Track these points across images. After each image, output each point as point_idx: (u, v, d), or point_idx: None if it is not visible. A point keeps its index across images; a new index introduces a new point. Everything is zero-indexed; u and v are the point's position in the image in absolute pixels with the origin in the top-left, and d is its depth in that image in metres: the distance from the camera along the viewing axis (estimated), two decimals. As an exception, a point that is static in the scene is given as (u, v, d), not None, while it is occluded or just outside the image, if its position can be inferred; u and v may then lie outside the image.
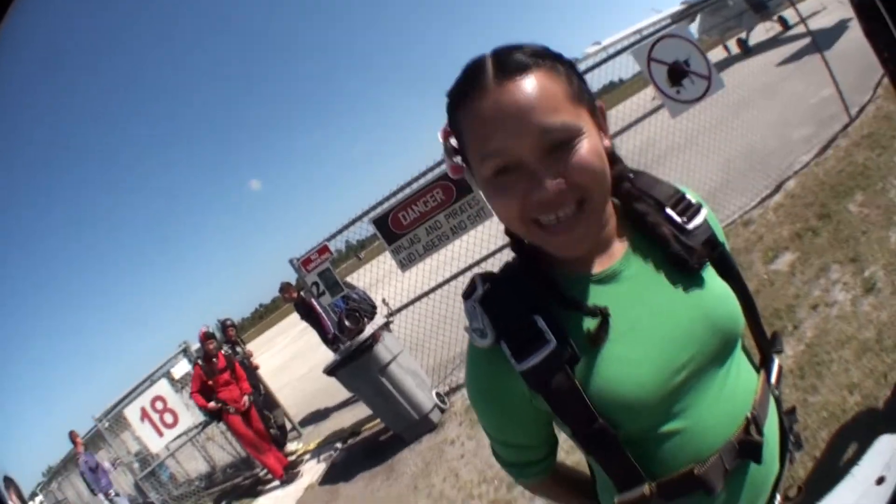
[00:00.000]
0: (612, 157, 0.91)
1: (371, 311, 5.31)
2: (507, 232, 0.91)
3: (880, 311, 3.10)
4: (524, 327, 0.83)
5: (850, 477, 1.03)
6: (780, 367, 1.03)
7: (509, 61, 0.79)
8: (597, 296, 0.86)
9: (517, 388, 0.85)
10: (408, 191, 5.08)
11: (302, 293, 6.20)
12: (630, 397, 0.82)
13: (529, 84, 0.77)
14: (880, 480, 1.00)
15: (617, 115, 5.96)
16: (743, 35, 15.46)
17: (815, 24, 9.31)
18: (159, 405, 6.79)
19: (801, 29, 8.62)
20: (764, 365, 1.02)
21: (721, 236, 0.97)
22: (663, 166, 6.34)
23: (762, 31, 15.00)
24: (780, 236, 4.62)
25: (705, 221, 0.93)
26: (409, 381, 4.96)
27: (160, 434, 6.77)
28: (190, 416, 6.85)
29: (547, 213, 0.78)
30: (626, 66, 5.60)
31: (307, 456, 6.32)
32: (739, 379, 0.93)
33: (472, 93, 0.79)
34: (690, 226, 0.91)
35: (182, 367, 7.08)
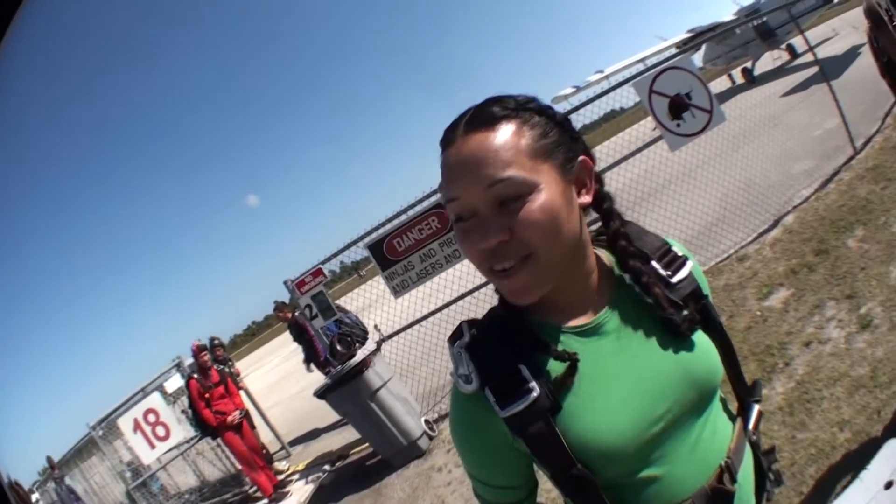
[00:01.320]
0: (606, 212, 0.96)
1: (363, 336, 5.32)
2: None
3: (875, 347, 3.09)
4: (509, 375, 0.85)
5: (859, 481, 1.05)
6: (760, 414, 1.05)
7: (483, 113, 0.83)
8: (577, 348, 0.87)
9: (500, 431, 0.87)
10: (403, 217, 5.09)
11: (296, 314, 6.21)
12: (608, 445, 0.84)
13: (489, 137, 0.81)
14: (889, 485, 1.02)
15: (615, 146, 5.94)
16: (749, 64, 15.33)
17: (824, 51, 9.23)
18: (152, 418, 6.79)
19: (809, 57, 8.53)
20: (742, 412, 1.04)
21: (706, 288, 1.00)
22: (659, 199, 6.31)
23: (769, 60, 14.87)
24: (775, 272, 4.57)
25: (690, 274, 0.95)
26: (398, 407, 4.95)
27: (152, 446, 6.77)
28: (181, 430, 6.84)
29: (496, 262, 0.81)
30: (628, 95, 5.59)
31: (296, 476, 6.30)
32: (716, 427, 0.94)
33: (445, 140, 0.85)
34: (675, 279, 0.93)
35: (175, 382, 7.09)
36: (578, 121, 5.49)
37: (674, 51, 5.95)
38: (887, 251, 3.93)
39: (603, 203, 0.96)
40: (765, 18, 10.14)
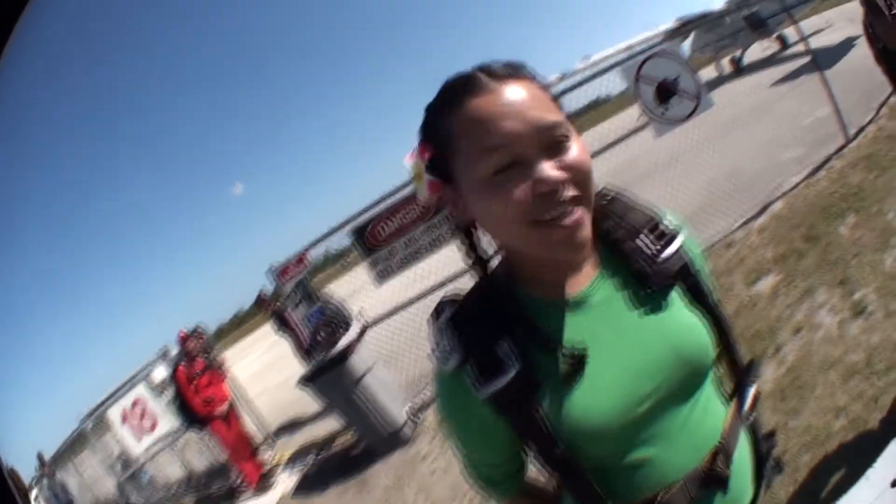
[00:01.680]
0: None
1: (346, 322, 5.29)
2: (477, 251, 0.91)
3: (871, 334, 3.02)
4: (487, 352, 0.83)
5: (865, 479, 1.07)
6: (757, 394, 1.02)
7: (497, 69, 0.82)
8: (564, 322, 0.86)
9: (482, 410, 0.85)
10: (386, 203, 5.06)
11: (278, 304, 6.21)
12: (593, 425, 0.82)
13: (524, 85, 0.81)
14: (895, 483, 1.02)
15: (601, 133, 5.91)
16: (737, 53, 15.20)
17: (818, 42, 9.18)
18: (139, 409, 6.78)
19: (801, 48, 8.50)
20: (737, 393, 1.01)
21: (699, 262, 0.97)
22: (644, 185, 6.28)
23: (759, 50, 14.72)
24: (764, 258, 4.52)
25: (678, 250, 0.92)
26: (382, 395, 4.93)
27: (139, 438, 6.76)
28: (168, 421, 6.82)
29: (550, 209, 0.77)
30: (614, 83, 5.58)
31: (281, 466, 6.28)
32: (708, 409, 0.92)
33: (467, 94, 0.80)
34: (662, 256, 0.91)
35: (161, 372, 7.06)
36: (563, 108, 5.46)
37: (662, 39, 5.88)
38: (881, 239, 3.86)
39: None
40: (756, 8, 10.11)
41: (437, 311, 0.90)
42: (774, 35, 13.58)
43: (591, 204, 0.82)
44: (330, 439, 5.98)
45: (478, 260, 0.91)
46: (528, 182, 0.77)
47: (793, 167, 6.09)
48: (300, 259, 5.25)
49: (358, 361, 4.84)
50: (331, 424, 6.04)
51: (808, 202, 5.06)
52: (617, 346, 0.85)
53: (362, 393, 4.82)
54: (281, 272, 5.20)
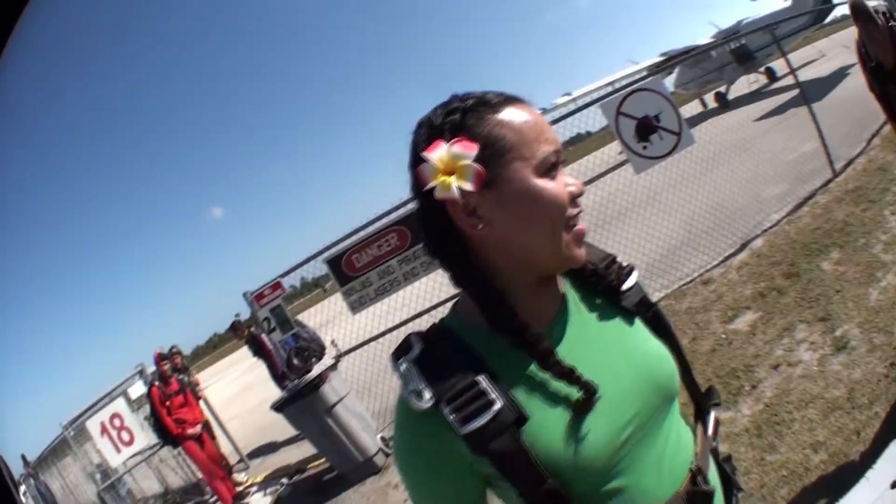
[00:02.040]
0: None
1: (320, 351, 5.30)
2: (486, 282, 0.86)
3: (852, 369, 3.00)
4: (467, 388, 0.79)
5: (865, 480, 1.08)
6: (717, 420, 1.04)
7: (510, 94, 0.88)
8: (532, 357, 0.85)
9: (457, 451, 0.80)
10: (362, 234, 5.08)
11: (252, 329, 6.22)
12: (581, 456, 0.80)
13: None
14: (895, 484, 1.02)
15: (581, 168, 5.93)
16: (722, 88, 14.93)
17: (808, 73, 9.12)
18: (117, 422, 6.79)
19: (790, 80, 8.39)
20: (700, 417, 1.03)
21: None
22: (623, 222, 6.29)
23: (745, 84, 14.52)
24: (742, 295, 4.51)
25: (638, 283, 0.96)
26: (354, 424, 4.93)
27: (118, 450, 6.77)
28: (145, 436, 6.84)
29: (576, 209, 0.86)
30: (595, 119, 5.60)
31: (254, 488, 6.28)
32: (680, 434, 0.93)
33: (510, 102, 0.85)
34: (625, 286, 0.95)
35: (138, 389, 7.11)
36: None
37: (645, 74, 5.87)
38: (866, 273, 3.86)
39: None
40: (743, 41, 10.08)
41: (404, 347, 0.86)
42: (762, 68, 13.38)
43: None
44: (304, 463, 5.98)
45: (478, 275, 0.87)
46: (563, 183, 0.85)
47: (775, 204, 6.08)
48: (276, 285, 5.26)
49: (330, 391, 4.85)
50: (305, 449, 6.04)
51: (790, 239, 5.05)
52: (595, 376, 0.83)
53: (335, 421, 4.83)
54: (257, 297, 5.21)
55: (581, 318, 0.91)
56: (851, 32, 3.21)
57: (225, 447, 7.15)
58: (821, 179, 6.05)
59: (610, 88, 5.93)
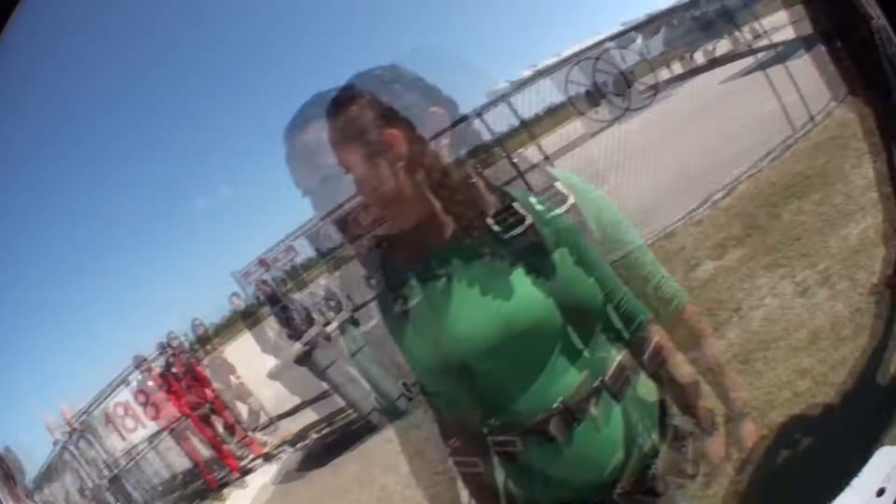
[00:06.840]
0: None
1: (338, 306, 5.48)
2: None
3: (814, 312, 3.02)
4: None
5: (850, 489, 1.04)
6: (645, 340, 1.10)
7: None
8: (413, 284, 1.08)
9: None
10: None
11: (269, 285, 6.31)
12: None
13: None
14: (881, 492, 1.00)
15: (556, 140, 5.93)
16: (710, 46, 15.03)
17: (784, 34, 8.95)
18: (121, 411, 6.78)
19: (764, 42, 7.58)
20: (629, 344, 1.09)
21: (593, 221, 1.09)
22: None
23: (725, 46, 14.43)
24: (703, 246, 4.54)
25: (530, 227, 1.00)
26: (375, 370, 5.19)
27: (123, 438, 6.76)
28: (150, 423, 6.84)
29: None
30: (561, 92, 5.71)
31: (262, 456, 6.40)
32: (556, 370, 1.02)
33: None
34: (507, 236, 1.00)
35: (141, 375, 7.09)
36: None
37: (613, 44, 6.07)
38: (827, 222, 3.78)
39: None
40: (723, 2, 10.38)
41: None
42: (733, 32, 13.76)
43: None
44: (304, 432, 6.13)
45: None
46: None
47: (737, 161, 5.88)
48: (288, 248, 5.40)
49: (350, 339, 5.08)
50: (308, 417, 6.23)
51: (751, 193, 5.09)
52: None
53: (357, 367, 5.07)
54: (273, 259, 5.35)
55: (464, 253, 1.04)
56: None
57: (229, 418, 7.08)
58: (782, 136, 5.81)
59: (576, 60, 6.14)
